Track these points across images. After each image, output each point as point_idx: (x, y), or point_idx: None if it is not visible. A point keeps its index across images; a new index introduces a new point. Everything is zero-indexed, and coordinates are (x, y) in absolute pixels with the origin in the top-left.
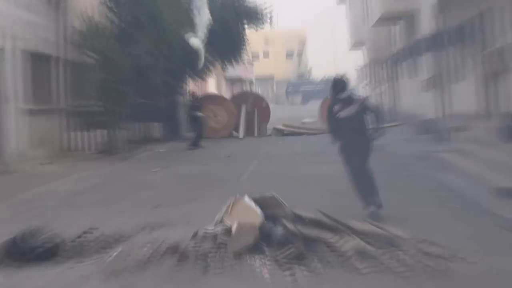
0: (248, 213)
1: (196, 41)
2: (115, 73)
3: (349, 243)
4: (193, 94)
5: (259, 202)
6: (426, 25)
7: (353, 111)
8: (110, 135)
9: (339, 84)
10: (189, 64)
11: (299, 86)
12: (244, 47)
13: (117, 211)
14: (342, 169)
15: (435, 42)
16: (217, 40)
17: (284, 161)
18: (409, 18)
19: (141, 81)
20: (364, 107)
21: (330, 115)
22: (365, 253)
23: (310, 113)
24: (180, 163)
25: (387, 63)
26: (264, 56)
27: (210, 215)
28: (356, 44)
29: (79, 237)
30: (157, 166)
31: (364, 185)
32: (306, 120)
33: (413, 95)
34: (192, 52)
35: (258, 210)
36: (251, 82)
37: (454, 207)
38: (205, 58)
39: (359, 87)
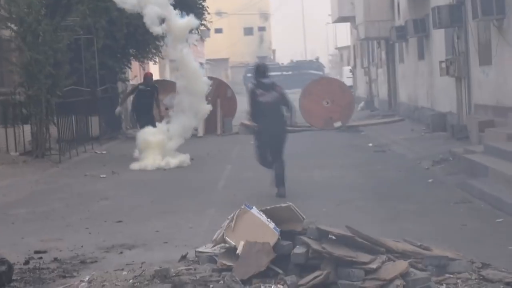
0: (258, 229)
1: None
2: (42, 50)
3: (391, 267)
4: (147, 77)
5: (271, 214)
6: None
7: (274, 98)
8: (38, 132)
9: (262, 69)
10: (133, 42)
11: None
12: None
13: (67, 228)
14: (340, 174)
15: (454, 14)
16: None
17: None
18: None
19: (75, 63)
20: (282, 96)
21: (252, 98)
22: (413, 280)
23: None
24: (130, 168)
25: (385, 41)
26: (216, 31)
27: (191, 233)
28: (342, 19)
29: (26, 262)
30: (102, 172)
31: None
32: None
33: (423, 82)
34: (138, 26)
35: (271, 225)
36: (200, 65)
37: (503, 222)
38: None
39: (342, 71)
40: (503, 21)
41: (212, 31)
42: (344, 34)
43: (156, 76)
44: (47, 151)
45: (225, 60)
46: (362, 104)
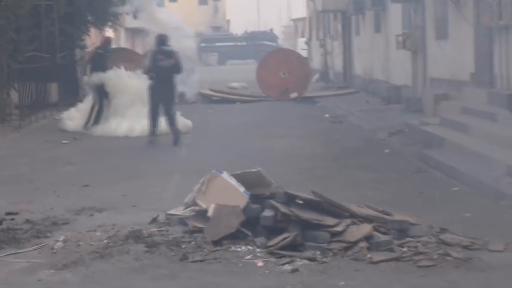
0: (228, 192)
1: None
2: (4, 16)
3: (355, 230)
4: (106, 41)
5: (241, 179)
6: None
7: (171, 64)
8: None
9: (163, 39)
10: (92, 10)
11: (214, 42)
12: None
13: (35, 191)
14: (299, 144)
15: None
16: None
17: (224, 134)
18: None
19: (34, 29)
20: (177, 63)
21: (153, 61)
22: (376, 242)
23: (233, 75)
24: (91, 134)
25: (342, 13)
26: (171, 0)
27: (158, 197)
28: None
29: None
30: (64, 138)
31: (155, 122)
32: (234, 84)
33: (379, 55)
34: None
35: (241, 189)
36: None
37: (458, 190)
38: (109, 1)
39: (297, 43)
40: None
41: (166, 0)
42: (299, 6)
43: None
44: (8, 116)
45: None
46: (317, 76)
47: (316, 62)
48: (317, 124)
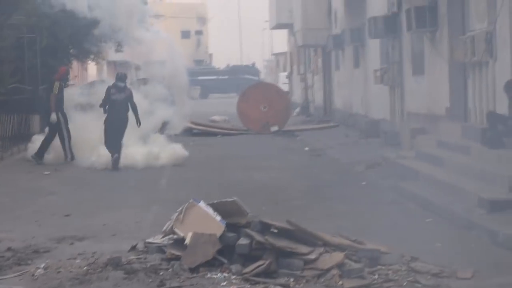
0: (205, 221)
1: None
2: None
3: (328, 258)
4: (64, 72)
5: (218, 208)
6: (377, 4)
7: (122, 97)
8: None
9: (119, 76)
10: (75, 42)
11: (197, 76)
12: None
13: (17, 220)
14: (278, 176)
15: (389, 25)
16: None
17: (204, 166)
18: None
19: (17, 61)
20: (129, 97)
21: (107, 94)
22: (347, 270)
23: (215, 108)
24: (72, 166)
25: (322, 48)
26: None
27: (138, 226)
28: (279, 25)
29: None
30: (45, 169)
31: (114, 147)
32: (215, 117)
33: (358, 89)
34: (80, 27)
35: (217, 217)
36: (137, 67)
37: (432, 221)
38: (91, 35)
39: (278, 77)
40: (436, 33)
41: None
42: (280, 40)
43: (94, 77)
44: None
45: (162, 62)
46: (298, 109)
47: (297, 96)
48: (296, 157)
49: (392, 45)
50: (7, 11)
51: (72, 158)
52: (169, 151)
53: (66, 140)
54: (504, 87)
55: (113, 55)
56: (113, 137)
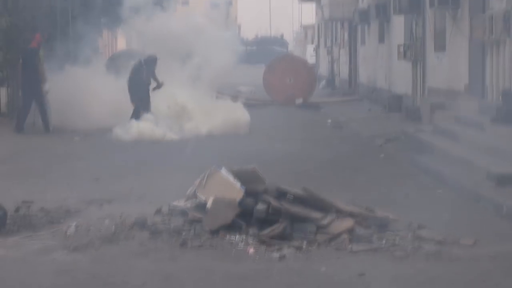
0: (226, 187)
1: None
2: (22, 17)
3: (339, 223)
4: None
5: (238, 175)
6: None
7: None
8: (13, 94)
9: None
10: (106, 11)
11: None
12: None
13: (49, 184)
14: (299, 147)
15: (413, 1)
16: None
17: (228, 136)
18: None
19: (50, 29)
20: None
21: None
22: (357, 235)
23: (242, 79)
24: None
25: (348, 22)
26: (183, 3)
27: (164, 190)
28: None
29: (16, 210)
30: (75, 135)
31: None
32: (241, 88)
33: (382, 64)
34: None
35: (237, 184)
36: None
37: (442, 193)
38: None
39: (306, 50)
40: (457, 11)
41: (179, 5)
42: (309, 13)
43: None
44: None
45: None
46: (323, 82)
47: (323, 69)
48: (318, 129)
49: (416, 21)
50: None
51: (49, 129)
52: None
53: (48, 111)
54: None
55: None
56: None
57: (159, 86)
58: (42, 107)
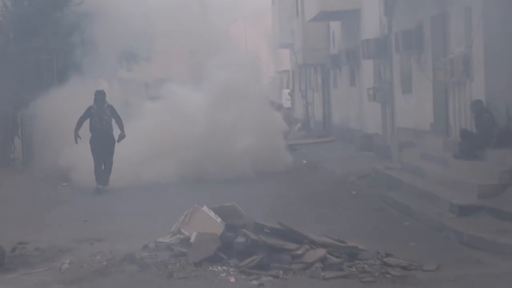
0: (208, 223)
1: None
2: (10, 70)
3: (312, 253)
4: None
5: (218, 212)
6: (370, 28)
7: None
8: (4, 142)
9: (100, 93)
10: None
11: None
12: None
13: (41, 226)
14: (276, 186)
15: (380, 47)
16: None
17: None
18: (350, 18)
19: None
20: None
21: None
22: (329, 263)
23: None
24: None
25: (321, 67)
26: (162, 52)
27: (151, 230)
28: (282, 45)
29: (13, 250)
30: (63, 180)
31: (100, 171)
32: None
33: (353, 106)
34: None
35: (218, 219)
36: (146, 84)
37: (408, 224)
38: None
39: (281, 94)
40: (421, 55)
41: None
42: (283, 59)
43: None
44: (12, 160)
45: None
46: (299, 125)
47: (298, 112)
48: (294, 169)
49: (383, 65)
50: (28, 35)
51: None
52: None
53: None
54: (470, 106)
55: (123, 74)
56: (101, 160)
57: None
58: None
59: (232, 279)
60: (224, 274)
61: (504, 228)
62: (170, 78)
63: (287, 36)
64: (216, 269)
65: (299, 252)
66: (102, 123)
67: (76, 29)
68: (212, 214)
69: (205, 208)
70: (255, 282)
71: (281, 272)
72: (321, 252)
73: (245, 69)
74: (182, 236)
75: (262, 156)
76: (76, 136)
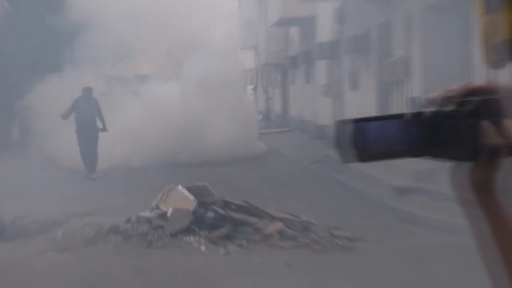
0: (182, 200)
1: None
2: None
3: (271, 226)
4: None
5: (191, 190)
6: (324, 32)
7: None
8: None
9: (88, 90)
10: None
11: None
12: None
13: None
14: (239, 169)
15: (332, 49)
16: None
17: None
18: (306, 24)
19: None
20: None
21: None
22: (285, 235)
23: None
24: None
25: (281, 66)
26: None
27: (133, 206)
28: (247, 47)
29: (13, 222)
30: (55, 164)
31: (89, 160)
32: None
33: (308, 101)
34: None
35: (191, 197)
36: (128, 80)
37: (354, 203)
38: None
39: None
40: (368, 57)
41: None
42: (248, 59)
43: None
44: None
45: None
46: (261, 117)
47: (260, 106)
48: (258, 155)
49: (335, 66)
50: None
51: None
52: None
53: None
54: (408, 101)
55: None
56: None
57: None
58: None
59: (203, 248)
60: (196, 244)
61: (436, 207)
62: (151, 75)
63: (251, 39)
64: (189, 240)
65: (260, 225)
66: (87, 116)
67: (69, 32)
68: (186, 192)
69: (180, 188)
70: (222, 251)
71: (244, 242)
72: (279, 225)
73: (222, 60)
74: (160, 211)
75: (234, 141)
76: (64, 116)
